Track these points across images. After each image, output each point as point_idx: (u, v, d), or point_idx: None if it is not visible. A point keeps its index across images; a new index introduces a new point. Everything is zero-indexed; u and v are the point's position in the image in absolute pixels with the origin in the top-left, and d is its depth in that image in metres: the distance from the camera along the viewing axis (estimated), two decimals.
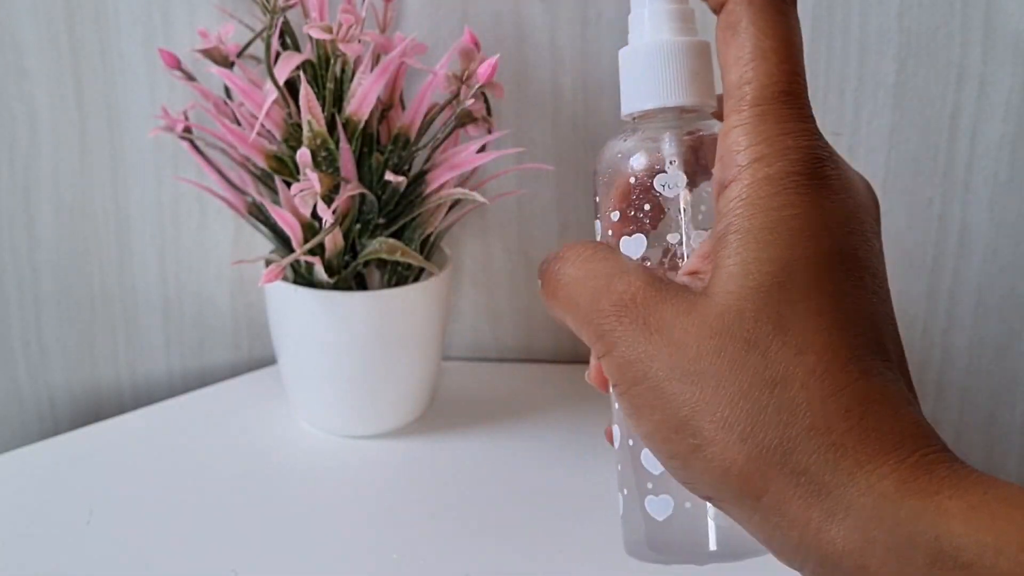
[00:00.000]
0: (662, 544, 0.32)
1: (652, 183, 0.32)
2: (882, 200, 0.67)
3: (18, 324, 0.66)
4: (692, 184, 0.32)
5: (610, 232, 0.33)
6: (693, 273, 0.31)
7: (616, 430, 0.33)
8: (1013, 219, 0.63)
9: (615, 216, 0.32)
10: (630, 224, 0.32)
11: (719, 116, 0.31)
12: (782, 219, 0.27)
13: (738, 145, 0.28)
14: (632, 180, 0.32)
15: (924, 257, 0.64)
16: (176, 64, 0.58)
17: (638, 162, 0.32)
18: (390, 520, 0.53)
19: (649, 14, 0.32)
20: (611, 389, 0.31)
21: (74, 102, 0.62)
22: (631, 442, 0.32)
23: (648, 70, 0.31)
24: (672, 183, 0.32)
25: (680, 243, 0.32)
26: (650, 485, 0.32)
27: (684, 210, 0.32)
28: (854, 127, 0.62)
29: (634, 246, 0.32)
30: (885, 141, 0.62)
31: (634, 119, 0.32)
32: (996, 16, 0.59)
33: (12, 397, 0.67)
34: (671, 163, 0.31)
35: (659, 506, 0.32)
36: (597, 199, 0.33)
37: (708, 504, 0.30)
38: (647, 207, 0.32)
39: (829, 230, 0.27)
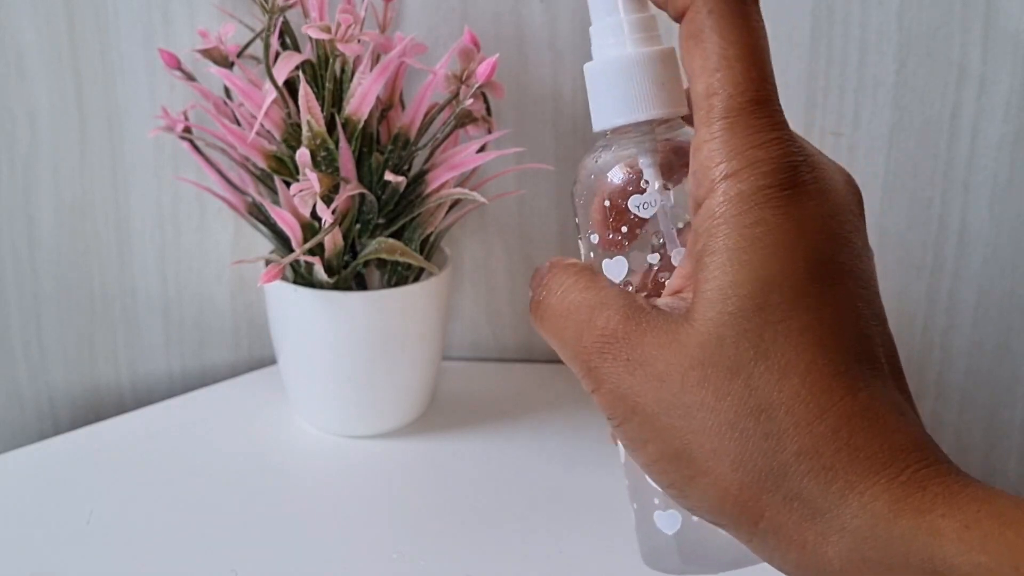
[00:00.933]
0: (674, 556, 0.32)
1: (627, 205, 0.31)
2: (882, 200, 0.67)
3: (18, 324, 0.66)
4: (673, 184, 0.31)
5: (591, 254, 0.32)
6: (676, 293, 0.31)
7: (621, 447, 0.33)
8: (1013, 219, 0.63)
9: (595, 238, 0.32)
10: (610, 246, 0.32)
11: (690, 120, 0.30)
12: (756, 236, 0.27)
13: (710, 161, 0.28)
14: (607, 203, 0.31)
15: (924, 257, 0.64)
16: (176, 64, 0.58)
17: (613, 182, 0.31)
18: (390, 520, 0.53)
19: (611, 26, 0.31)
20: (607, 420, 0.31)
21: (74, 102, 0.62)
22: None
23: (616, 85, 0.30)
24: (648, 203, 0.31)
25: (660, 263, 0.31)
26: (657, 500, 0.32)
27: (663, 229, 0.31)
28: (854, 127, 0.62)
29: (615, 268, 0.32)
30: (885, 141, 0.62)
31: (607, 135, 0.32)
32: (996, 16, 0.59)
33: (12, 397, 0.67)
34: (646, 182, 0.31)
35: (668, 521, 0.32)
36: (577, 220, 0.33)
37: None
38: (624, 228, 0.31)
39: (805, 241, 0.27)
